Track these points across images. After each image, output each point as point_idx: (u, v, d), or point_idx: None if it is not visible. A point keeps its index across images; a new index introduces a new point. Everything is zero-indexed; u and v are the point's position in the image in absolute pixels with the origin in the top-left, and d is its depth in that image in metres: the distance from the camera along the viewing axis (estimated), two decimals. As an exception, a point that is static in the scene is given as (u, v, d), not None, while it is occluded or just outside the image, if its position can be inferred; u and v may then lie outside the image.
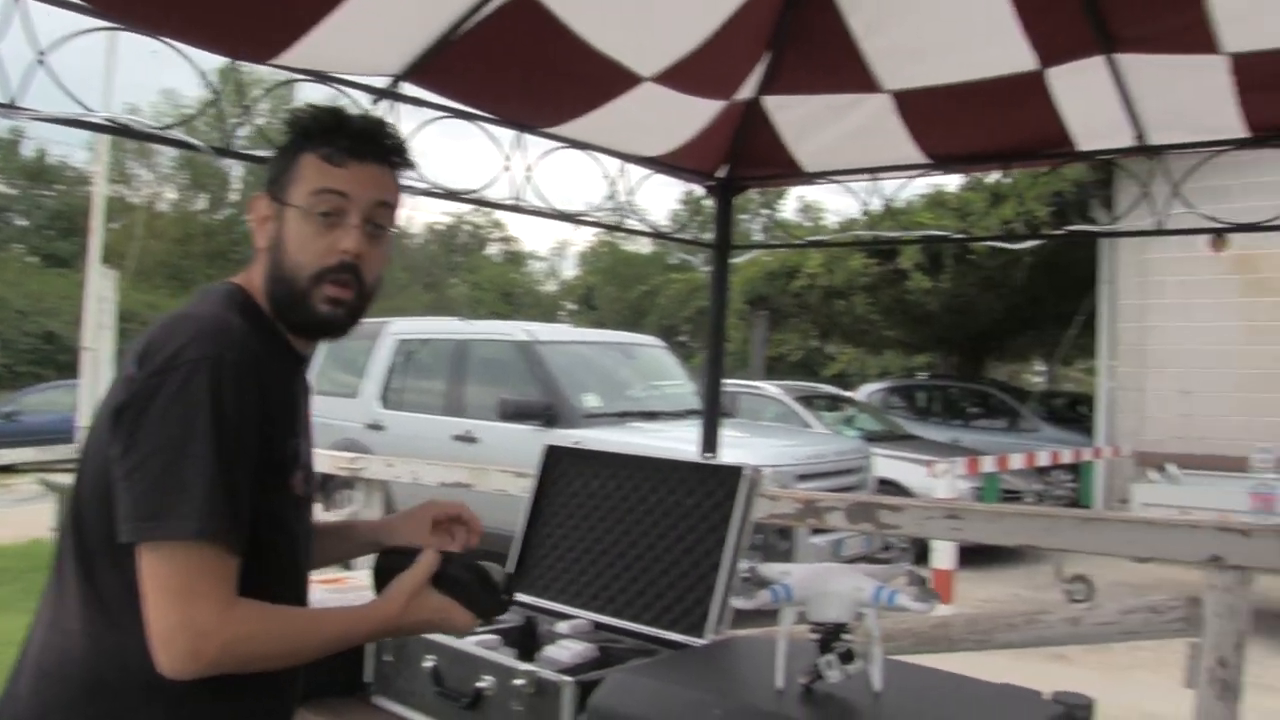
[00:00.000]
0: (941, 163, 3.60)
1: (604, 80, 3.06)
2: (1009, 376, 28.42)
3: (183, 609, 1.41)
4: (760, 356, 20.51)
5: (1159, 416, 11.93)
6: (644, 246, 32.69)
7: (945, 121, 3.38)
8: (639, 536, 2.34)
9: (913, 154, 3.58)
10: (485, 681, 1.87)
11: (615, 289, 32.19)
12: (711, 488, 2.29)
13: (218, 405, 1.44)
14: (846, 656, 1.70)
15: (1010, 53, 2.95)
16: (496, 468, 4.69)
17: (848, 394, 16.41)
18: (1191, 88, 2.95)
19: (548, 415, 8.88)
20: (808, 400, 13.26)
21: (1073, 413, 17.22)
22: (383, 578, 1.69)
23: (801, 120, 3.65)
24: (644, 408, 9.68)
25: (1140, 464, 10.78)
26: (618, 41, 2.92)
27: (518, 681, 1.82)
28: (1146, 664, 6.17)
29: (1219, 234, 3.46)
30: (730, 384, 10.69)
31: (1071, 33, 2.86)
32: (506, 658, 1.89)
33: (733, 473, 2.27)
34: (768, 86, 3.55)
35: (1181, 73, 2.90)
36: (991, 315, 17.73)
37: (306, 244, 1.62)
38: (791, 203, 30.66)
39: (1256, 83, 2.87)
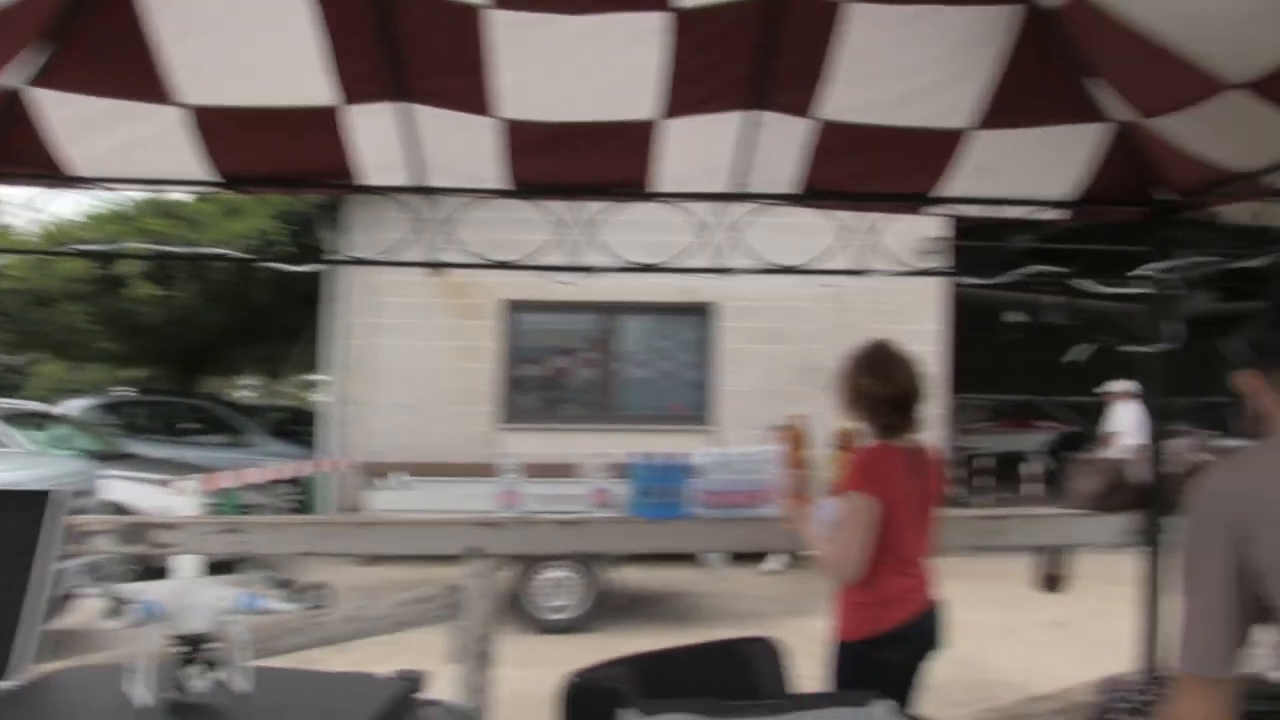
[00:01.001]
0: (232, 182, 3.65)
1: None
2: (219, 390, 28.25)
3: None
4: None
5: (383, 428, 12.76)
6: None
7: (239, 142, 3.43)
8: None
9: (200, 169, 3.58)
10: None
11: None
12: (11, 513, 2.16)
13: None
14: (210, 665, 1.76)
15: (313, 87, 3.12)
16: None
17: (58, 411, 15.18)
18: (468, 141, 3.38)
19: None
20: (9, 418, 12.07)
21: (293, 426, 17.67)
22: None
23: (79, 120, 3.45)
24: None
25: (367, 473, 11.47)
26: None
27: None
28: (383, 654, 6.65)
29: (439, 266, 3.93)
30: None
31: (372, 78, 3.12)
32: None
33: (37, 498, 2.16)
34: (42, 79, 3.31)
35: (459, 127, 3.32)
36: (215, 328, 17.58)
37: None
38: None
39: (520, 145, 3.40)
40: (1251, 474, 1.73)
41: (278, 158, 3.51)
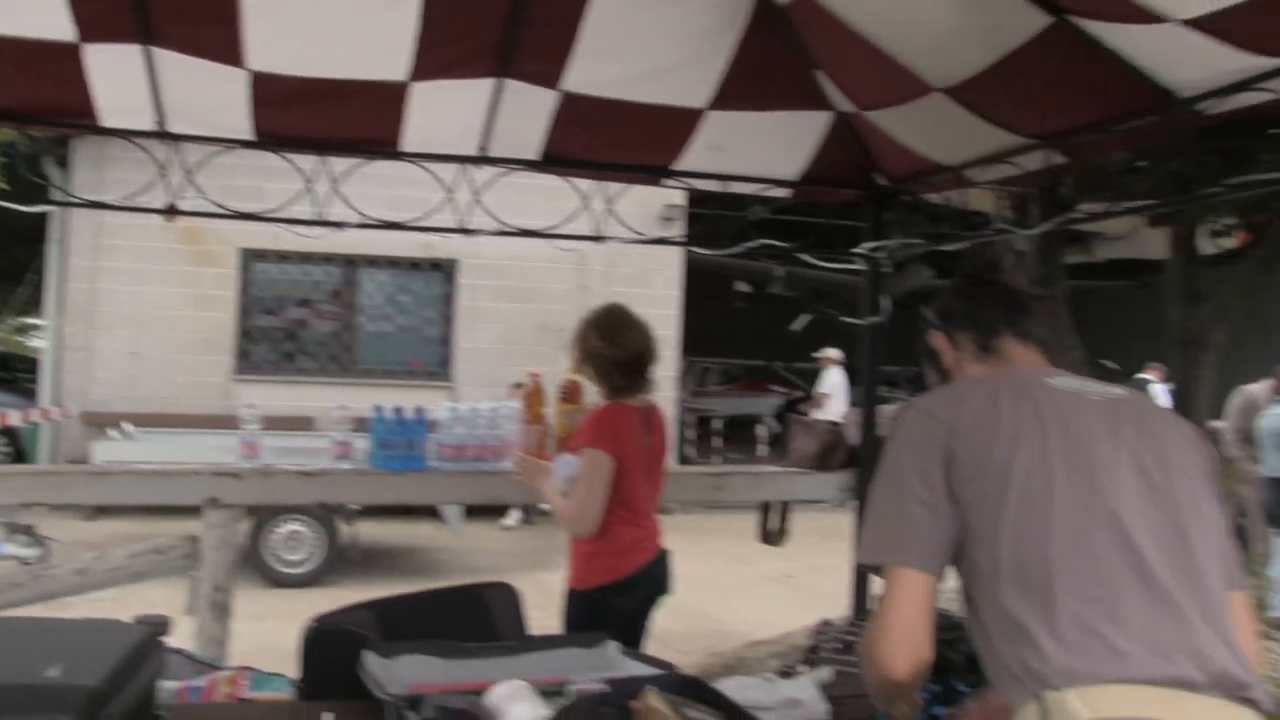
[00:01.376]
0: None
1: None
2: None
3: None
4: None
5: (107, 377, 12.12)
6: None
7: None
8: None
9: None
10: None
11: None
12: None
13: None
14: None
15: (52, 21, 2.98)
16: None
17: None
18: (214, 90, 3.33)
19: None
20: None
21: (3, 373, 16.61)
22: None
23: None
24: None
25: (88, 424, 10.91)
26: None
27: None
28: (109, 611, 6.41)
29: (182, 215, 3.86)
30: None
31: (113, 17, 3.01)
32: None
33: None
34: None
35: (207, 75, 3.26)
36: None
37: None
38: None
39: (269, 97, 3.37)
40: (948, 402, 1.98)
41: (6, 91, 3.35)
